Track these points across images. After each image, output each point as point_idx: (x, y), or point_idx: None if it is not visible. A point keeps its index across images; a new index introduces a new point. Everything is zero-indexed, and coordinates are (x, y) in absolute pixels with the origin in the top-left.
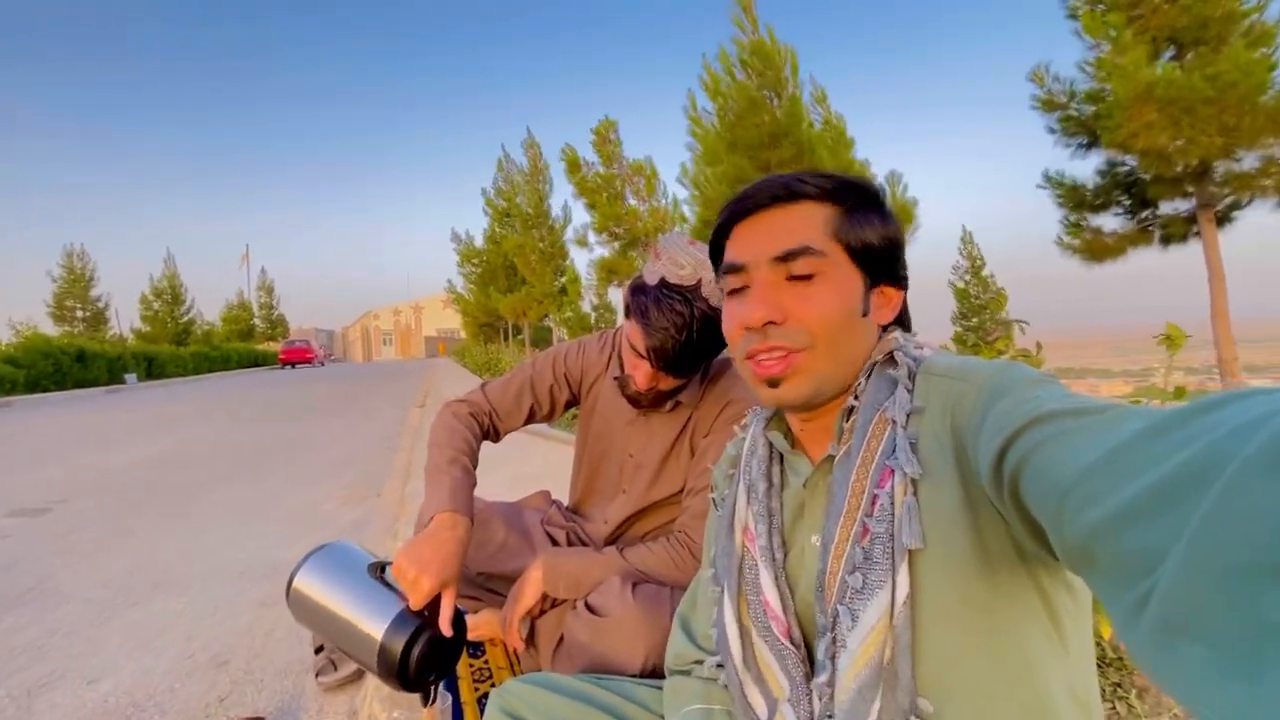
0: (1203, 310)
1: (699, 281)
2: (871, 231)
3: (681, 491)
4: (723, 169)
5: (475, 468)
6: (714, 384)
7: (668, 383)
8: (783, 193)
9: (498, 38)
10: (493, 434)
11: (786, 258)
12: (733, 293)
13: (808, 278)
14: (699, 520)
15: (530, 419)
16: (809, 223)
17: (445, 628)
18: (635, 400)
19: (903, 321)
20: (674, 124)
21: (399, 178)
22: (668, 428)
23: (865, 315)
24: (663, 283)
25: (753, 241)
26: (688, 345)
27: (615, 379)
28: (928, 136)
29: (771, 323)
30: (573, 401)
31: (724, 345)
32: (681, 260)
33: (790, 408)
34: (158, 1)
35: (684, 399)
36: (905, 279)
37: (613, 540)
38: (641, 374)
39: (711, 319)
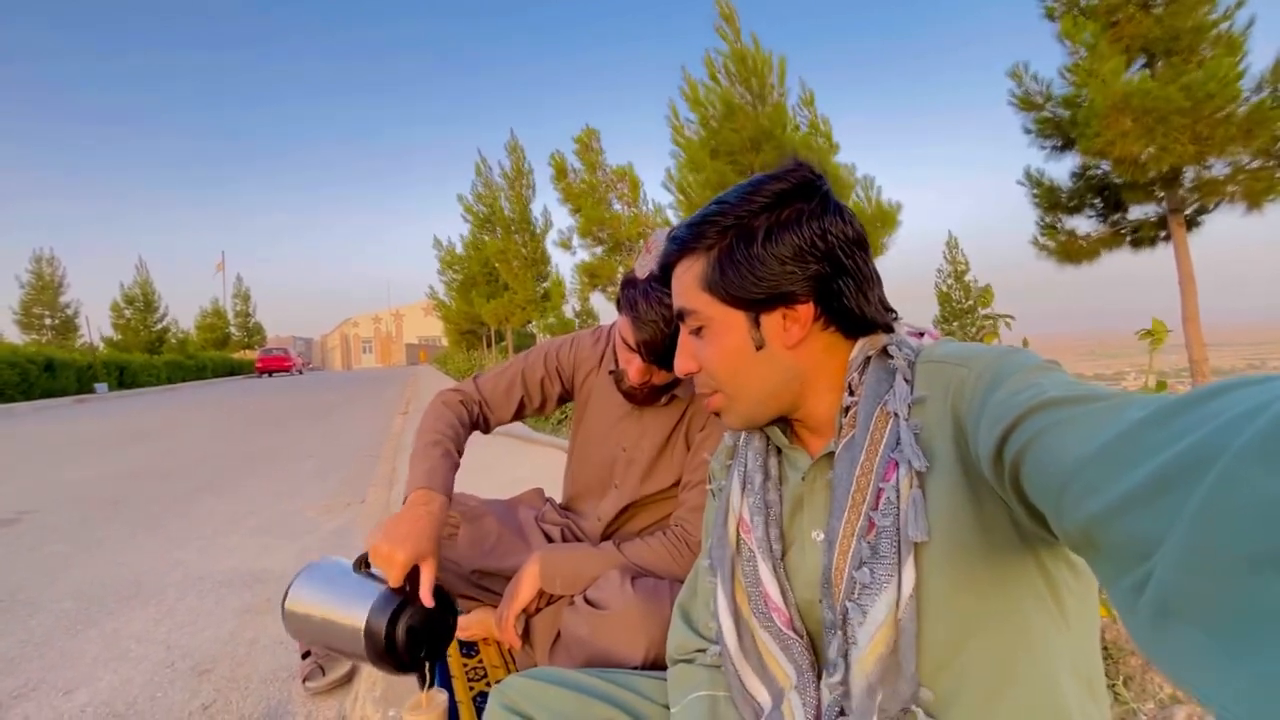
0: (1173, 314)
1: None
2: (740, 271)
3: (675, 486)
4: (705, 175)
5: (461, 453)
6: None
7: (661, 377)
8: (675, 250)
9: (478, 40)
10: (483, 424)
11: (680, 317)
12: None
13: (700, 330)
14: (696, 514)
15: (521, 412)
16: (686, 281)
17: (426, 598)
18: (630, 395)
19: (851, 317)
20: (657, 127)
21: (378, 184)
22: (662, 422)
23: (761, 348)
24: (652, 276)
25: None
26: (677, 338)
27: (611, 373)
28: (917, 142)
29: (692, 372)
30: (565, 396)
31: None
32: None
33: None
34: (126, 1)
35: (679, 393)
36: (813, 289)
37: (607, 536)
38: (634, 368)
39: None
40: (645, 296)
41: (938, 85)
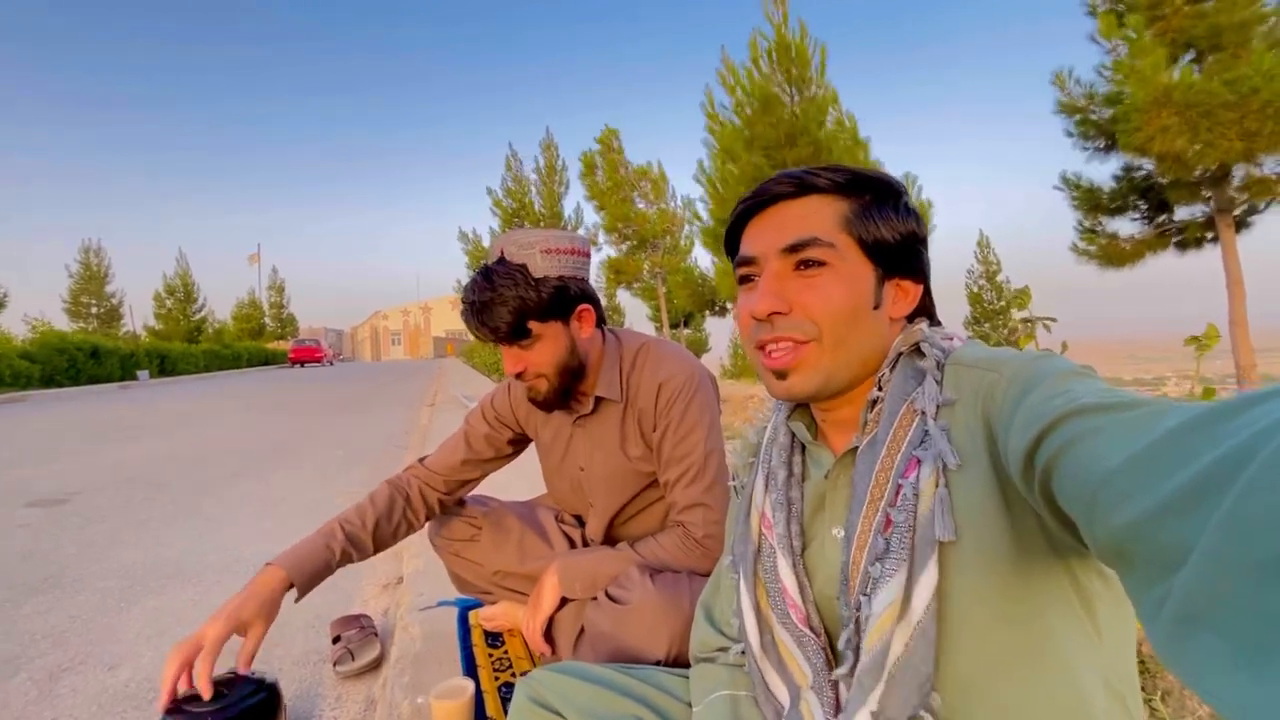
0: (1219, 318)
1: (501, 252)
2: (885, 225)
3: (651, 487)
4: (740, 167)
5: (370, 533)
6: (637, 372)
7: (535, 361)
8: (794, 186)
9: (512, 34)
10: (428, 503)
11: (795, 248)
12: (745, 283)
13: (816, 267)
14: (692, 511)
15: (481, 468)
16: (819, 214)
17: (242, 664)
18: (536, 401)
19: (929, 314)
20: (689, 123)
21: (410, 178)
22: (606, 430)
23: (877, 308)
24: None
25: (764, 234)
26: (496, 305)
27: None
28: (946, 140)
29: (777, 313)
30: (520, 439)
31: (556, 290)
32: (490, 249)
33: (798, 400)
34: None
35: (605, 394)
36: (925, 273)
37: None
38: (506, 364)
39: (510, 268)
40: (467, 289)
41: (969, 82)
